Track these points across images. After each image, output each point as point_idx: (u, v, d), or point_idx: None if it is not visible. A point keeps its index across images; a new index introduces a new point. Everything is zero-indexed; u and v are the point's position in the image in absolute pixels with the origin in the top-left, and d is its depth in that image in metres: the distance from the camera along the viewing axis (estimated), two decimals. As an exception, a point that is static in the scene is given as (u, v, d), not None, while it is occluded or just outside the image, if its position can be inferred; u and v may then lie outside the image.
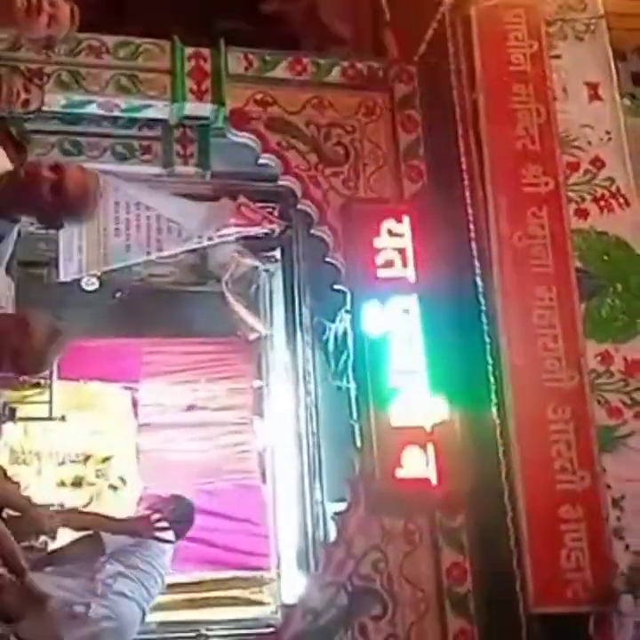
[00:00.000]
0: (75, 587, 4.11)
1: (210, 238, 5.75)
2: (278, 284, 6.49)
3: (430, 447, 4.20)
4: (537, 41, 4.40)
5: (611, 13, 4.63)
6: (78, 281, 5.92)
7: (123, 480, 6.45)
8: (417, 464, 4.18)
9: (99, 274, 5.84)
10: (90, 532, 4.36)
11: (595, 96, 4.47)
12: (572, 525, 3.90)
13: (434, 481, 4.18)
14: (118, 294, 6.82)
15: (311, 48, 5.65)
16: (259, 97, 4.80)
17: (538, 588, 3.85)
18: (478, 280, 4.24)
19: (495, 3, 4.46)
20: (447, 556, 4.23)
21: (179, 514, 4.75)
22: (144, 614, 4.39)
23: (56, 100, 4.67)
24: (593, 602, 3.87)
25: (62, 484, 6.22)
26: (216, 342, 7.16)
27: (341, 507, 4.59)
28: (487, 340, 4.15)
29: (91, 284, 6.09)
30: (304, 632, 4.10)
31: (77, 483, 6.28)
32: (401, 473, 4.17)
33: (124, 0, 6.11)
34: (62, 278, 5.52)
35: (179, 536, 4.68)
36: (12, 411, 5.48)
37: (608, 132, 4.44)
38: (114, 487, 6.39)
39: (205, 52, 4.84)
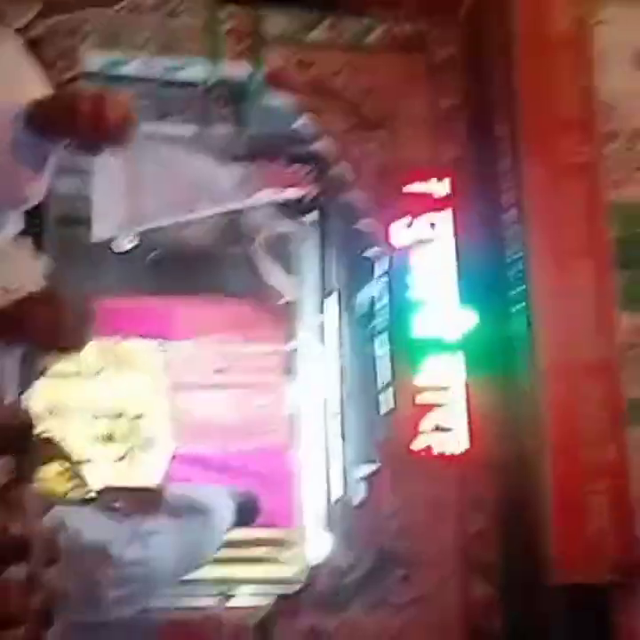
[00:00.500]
0: (118, 530, 4.24)
1: (244, 200, 5.74)
2: (311, 247, 6.47)
3: (460, 414, 4.22)
4: (581, 6, 4.30)
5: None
6: (112, 240, 5.96)
7: (154, 438, 6.53)
8: (447, 431, 4.20)
9: (132, 234, 5.87)
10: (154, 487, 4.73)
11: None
12: (597, 497, 3.90)
13: (463, 447, 4.20)
14: (152, 254, 6.86)
15: (351, 8, 5.57)
16: (297, 58, 4.77)
17: (561, 558, 3.87)
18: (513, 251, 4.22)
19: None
20: (473, 523, 4.27)
21: (245, 507, 4.85)
22: (174, 575, 4.49)
23: (94, 59, 4.67)
24: (616, 574, 3.88)
25: (96, 439, 6.31)
26: (248, 304, 7.18)
27: (369, 469, 4.64)
28: (523, 311, 4.14)
29: (123, 244, 6.13)
30: (329, 591, 4.16)
31: (110, 438, 6.37)
32: (429, 439, 4.19)
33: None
34: (95, 238, 5.55)
35: (239, 523, 4.80)
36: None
37: (651, 101, 4.36)
38: (146, 444, 6.48)
39: (244, 11, 4.79)
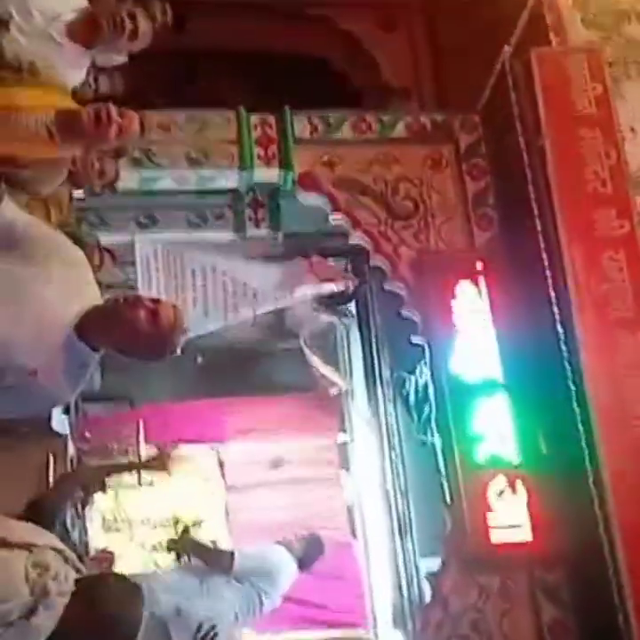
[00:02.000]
0: (184, 587, 4.65)
1: (285, 298, 5.82)
2: (356, 337, 6.50)
3: (523, 502, 4.12)
4: (600, 83, 4.34)
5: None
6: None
7: (214, 542, 6.46)
8: (510, 519, 4.09)
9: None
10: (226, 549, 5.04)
11: (665, 133, 4.40)
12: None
13: (529, 535, 4.09)
14: (200, 357, 6.93)
15: (374, 104, 5.71)
16: (325, 158, 4.86)
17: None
18: (559, 327, 4.16)
19: (555, 49, 4.45)
20: (548, 613, 4.11)
21: (308, 550, 5.07)
22: (237, 619, 4.81)
23: (130, 177, 4.81)
24: None
25: (155, 549, 6.28)
26: (298, 398, 7.18)
27: (434, 562, 4.53)
28: (572, 387, 4.06)
29: (171, 349, 6.21)
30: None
31: (169, 547, 6.32)
32: (494, 529, 4.09)
33: (191, 70, 6.33)
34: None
35: (305, 568, 5.05)
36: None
37: (682, 169, 4.35)
38: (205, 550, 6.39)
39: (270, 118, 4.92)
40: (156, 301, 2.47)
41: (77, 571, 2.39)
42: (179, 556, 5.15)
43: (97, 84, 4.57)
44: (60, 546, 2.40)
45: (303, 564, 5.03)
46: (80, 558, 3.93)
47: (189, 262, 5.57)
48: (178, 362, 6.59)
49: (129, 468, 5.62)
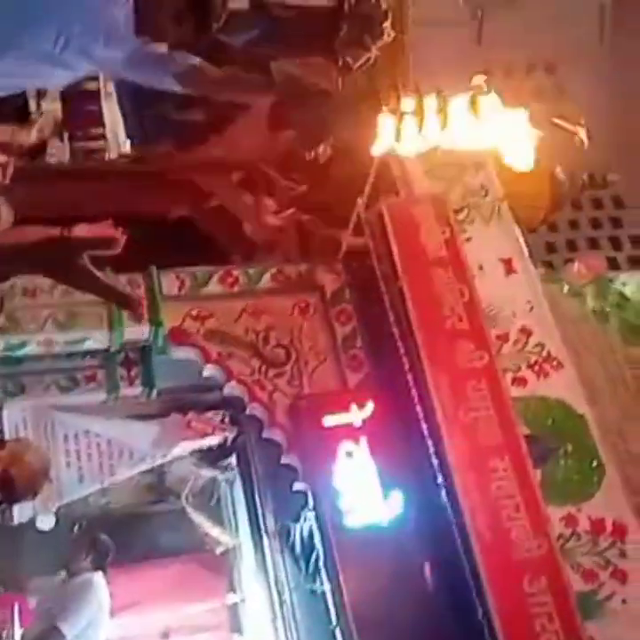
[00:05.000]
0: None
1: (163, 456, 5.72)
2: (238, 491, 6.39)
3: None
4: (448, 227, 4.67)
5: (514, 194, 4.97)
6: (33, 520, 5.79)
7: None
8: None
9: (53, 510, 5.72)
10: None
11: (510, 270, 4.75)
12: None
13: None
14: (76, 527, 6.64)
15: (240, 259, 5.89)
16: (195, 312, 4.94)
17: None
18: (434, 459, 4.26)
19: (402, 199, 4.79)
20: None
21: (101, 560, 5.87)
22: None
23: (-6, 344, 4.74)
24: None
25: None
26: (184, 561, 6.92)
27: None
28: (452, 519, 4.12)
29: (46, 522, 5.93)
30: None
31: None
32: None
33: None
34: (16, 521, 5.40)
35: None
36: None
37: (529, 301, 4.67)
38: None
39: (138, 277, 4.99)
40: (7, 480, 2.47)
41: None
42: None
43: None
44: None
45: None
46: None
47: (61, 427, 5.44)
48: (53, 535, 6.34)
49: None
